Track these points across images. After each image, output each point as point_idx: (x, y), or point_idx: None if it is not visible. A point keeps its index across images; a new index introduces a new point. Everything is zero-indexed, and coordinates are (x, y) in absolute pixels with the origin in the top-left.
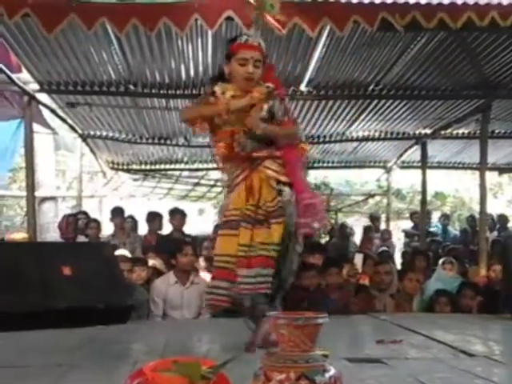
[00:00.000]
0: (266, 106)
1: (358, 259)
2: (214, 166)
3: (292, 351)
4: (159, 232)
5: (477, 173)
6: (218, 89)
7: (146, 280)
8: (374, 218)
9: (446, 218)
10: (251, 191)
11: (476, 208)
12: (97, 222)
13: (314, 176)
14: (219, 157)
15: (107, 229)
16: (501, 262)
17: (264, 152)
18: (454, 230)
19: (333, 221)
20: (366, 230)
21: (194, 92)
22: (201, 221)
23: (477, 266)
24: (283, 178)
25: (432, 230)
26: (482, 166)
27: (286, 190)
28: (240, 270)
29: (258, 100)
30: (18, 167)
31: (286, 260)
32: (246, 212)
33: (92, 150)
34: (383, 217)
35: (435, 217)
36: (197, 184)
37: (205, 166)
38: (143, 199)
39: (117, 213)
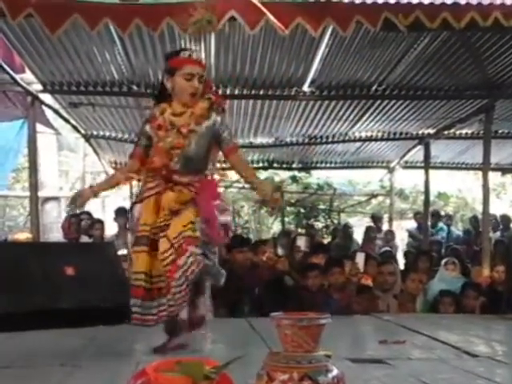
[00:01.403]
0: (207, 122)
1: (360, 258)
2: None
3: (295, 351)
4: None
5: (480, 173)
6: (155, 111)
7: None
8: (376, 219)
9: (448, 218)
10: (158, 210)
11: (479, 208)
12: (101, 223)
13: (317, 176)
14: (147, 169)
15: (110, 228)
16: (504, 263)
17: (184, 178)
18: (457, 230)
19: (336, 221)
20: (368, 230)
21: None
22: None
23: (480, 267)
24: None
25: (437, 237)
26: (485, 167)
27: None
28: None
29: (199, 115)
30: (21, 167)
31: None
32: (151, 230)
33: (95, 151)
34: (386, 217)
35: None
36: None
37: None
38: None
39: (120, 213)
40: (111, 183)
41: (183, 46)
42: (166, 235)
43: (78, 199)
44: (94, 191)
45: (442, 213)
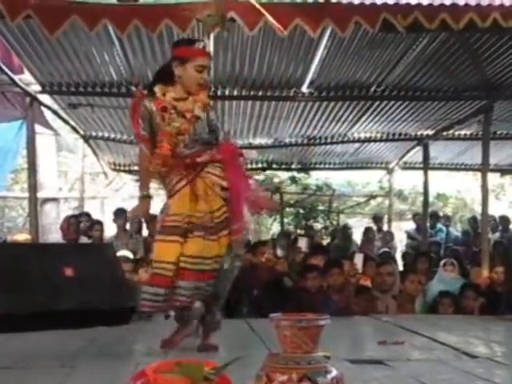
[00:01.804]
0: (208, 112)
1: (358, 259)
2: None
3: (294, 352)
4: None
5: (479, 174)
6: (157, 90)
7: None
8: (377, 219)
9: (447, 219)
10: (196, 198)
11: (478, 209)
12: (101, 224)
13: (316, 177)
14: (161, 159)
15: (109, 229)
16: (503, 264)
17: (206, 156)
18: (456, 231)
19: (335, 222)
20: (367, 231)
21: None
22: None
23: (479, 268)
24: (226, 184)
25: (435, 239)
26: (483, 167)
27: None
28: (185, 281)
29: (203, 104)
30: (20, 168)
31: (225, 271)
32: (192, 219)
33: (94, 151)
34: (385, 218)
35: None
36: None
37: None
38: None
39: (119, 214)
40: (148, 180)
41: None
42: (204, 241)
43: (139, 210)
44: (147, 196)
45: (441, 214)
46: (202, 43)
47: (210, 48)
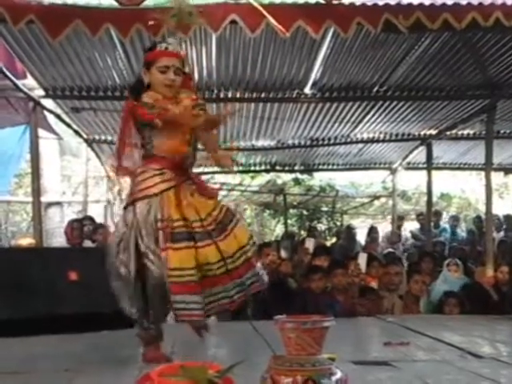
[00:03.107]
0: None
1: (362, 259)
2: (219, 169)
3: (299, 355)
4: None
5: (482, 173)
6: (147, 98)
7: None
8: (399, 218)
9: (455, 219)
10: (181, 204)
11: (482, 209)
12: (104, 228)
13: (319, 178)
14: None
15: None
16: (508, 263)
17: (191, 172)
18: (461, 231)
19: (338, 223)
20: (371, 230)
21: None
22: None
23: (483, 267)
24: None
25: (440, 239)
26: (487, 167)
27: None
28: (223, 285)
29: (192, 104)
30: (24, 173)
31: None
32: (190, 226)
33: (97, 155)
34: (389, 218)
35: (443, 217)
36: None
37: (210, 169)
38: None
39: None
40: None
41: (187, 49)
42: (216, 244)
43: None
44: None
45: (445, 213)
46: (165, 44)
47: (207, 55)
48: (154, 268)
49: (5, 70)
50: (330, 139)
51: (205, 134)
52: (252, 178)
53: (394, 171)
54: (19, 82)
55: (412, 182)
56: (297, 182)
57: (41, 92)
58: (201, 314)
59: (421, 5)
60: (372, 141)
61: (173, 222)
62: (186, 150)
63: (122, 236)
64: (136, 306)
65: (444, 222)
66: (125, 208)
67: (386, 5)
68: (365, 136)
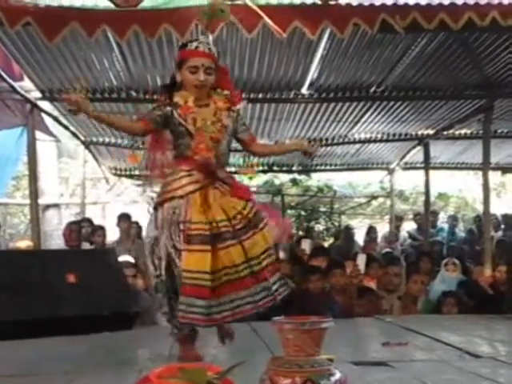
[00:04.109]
0: (231, 118)
1: (361, 260)
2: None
3: (297, 356)
4: None
5: (480, 173)
6: (178, 99)
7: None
8: (398, 219)
9: (454, 219)
10: (208, 206)
11: (479, 208)
12: (102, 230)
13: (317, 179)
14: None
15: (111, 235)
16: (506, 262)
17: (223, 173)
18: (459, 230)
19: (336, 223)
20: (370, 231)
21: None
22: None
23: (481, 266)
24: (236, 200)
25: (437, 238)
26: (484, 166)
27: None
28: (244, 290)
29: (225, 111)
30: (21, 175)
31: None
32: (215, 227)
33: (95, 157)
34: (387, 218)
35: (441, 217)
36: None
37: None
38: (146, 205)
39: (124, 218)
40: (106, 118)
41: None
42: (242, 245)
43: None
44: (92, 111)
45: (443, 213)
46: (196, 43)
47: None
48: (176, 269)
49: (1, 72)
50: (327, 139)
51: None
52: (250, 178)
53: (391, 171)
54: (16, 84)
55: (409, 181)
56: (294, 182)
57: (38, 94)
58: (203, 319)
59: (417, 5)
60: (369, 141)
61: (191, 225)
62: (215, 152)
63: (153, 237)
64: (168, 306)
65: (442, 222)
66: (155, 209)
67: (383, 5)
68: (362, 136)
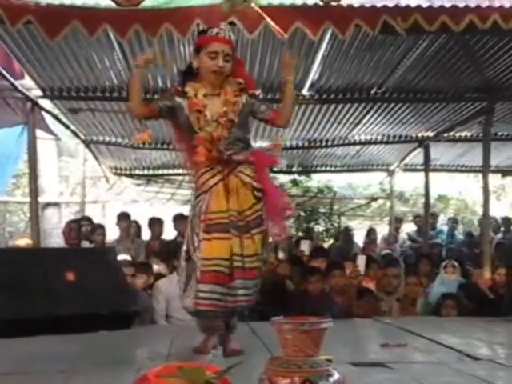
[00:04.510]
0: (240, 107)
1: (361, 261)
2: None
3: (296, 356)
4: (163, 237)
5: (480, 175)
6: (189, 89)
7: (150, 285)
8: (397, 220)
9: (454, 221)
10: (229, 195)
11: (479, 211)
12: (102, 228)
13: (317, 180)
14: (196, 162)
15: (111, 234)
16: (505, 265)
17: (240, 156)
18: (459, 233)
19: (336, 224)
20: (370, 232)
21: None
22: None
23: (481, 269)
24: (257, 185)
25: (436, 241)
26: (484, 169)
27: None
28: (238, 281)
29: (233, 103)
30: (22, 173)
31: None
32: (230, 217)
33: (95, 156)
34: (386, 220)
35: (441, 219)
36: None
37: None
38: (146, 204)
39: (123, 217)
40: (137, 86)
41: (185, 50)
42: (241, 239)
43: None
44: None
45: (442, 215)
46: (217, 29)
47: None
48: (195, 259)
49: (2, 70)
50: (327, 141)
51: None
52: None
53: (391, 173)
54: (17, 83)
55: (409, 183)
56: (294, 183)
57: (38, 92)
58: (222, 305)
59: (419, 7)
60: (370, 142)
61: (211, 214)
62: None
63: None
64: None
65: (442, 224)
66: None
67: (384, 7)
68: (362, 138)
